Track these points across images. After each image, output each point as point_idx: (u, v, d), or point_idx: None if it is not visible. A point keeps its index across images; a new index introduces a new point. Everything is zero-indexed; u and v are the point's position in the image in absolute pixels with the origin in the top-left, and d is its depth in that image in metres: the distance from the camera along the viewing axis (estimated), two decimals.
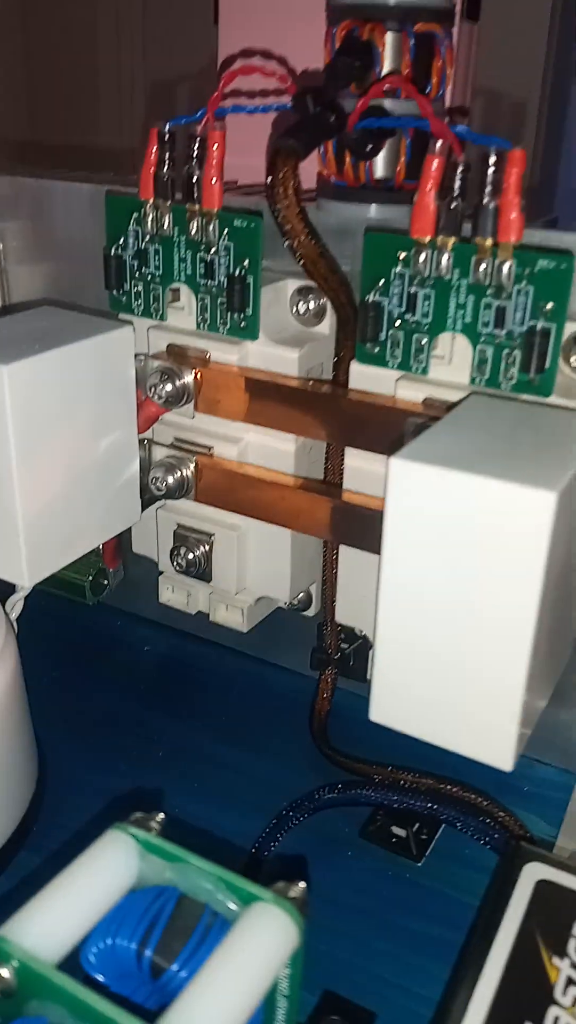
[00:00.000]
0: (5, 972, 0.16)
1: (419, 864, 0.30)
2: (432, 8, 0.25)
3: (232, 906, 0.17)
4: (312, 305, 0.30)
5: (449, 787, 0.30)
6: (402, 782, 0.31)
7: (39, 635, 0.32)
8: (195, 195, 0.27)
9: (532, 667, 0.20)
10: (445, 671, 0.21)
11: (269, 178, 0.23)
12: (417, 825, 0.31)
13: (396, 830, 0.31)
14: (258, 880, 0.17)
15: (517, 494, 0.19)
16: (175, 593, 0.35)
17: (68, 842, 0.29)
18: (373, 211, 0.27)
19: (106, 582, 0.39)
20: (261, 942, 0.16)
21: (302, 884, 0.18)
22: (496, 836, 0.29)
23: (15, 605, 0.31)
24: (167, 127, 0.26)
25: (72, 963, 0.17)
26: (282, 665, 0.38)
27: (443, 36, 0.26)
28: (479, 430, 0.22)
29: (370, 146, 0.25)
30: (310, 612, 0.35)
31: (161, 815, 0.20)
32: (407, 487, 0.20)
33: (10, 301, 0.37)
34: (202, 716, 0.36)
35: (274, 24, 0.35)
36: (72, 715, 0.35)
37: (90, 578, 0.38)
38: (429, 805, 0.30)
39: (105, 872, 0.18)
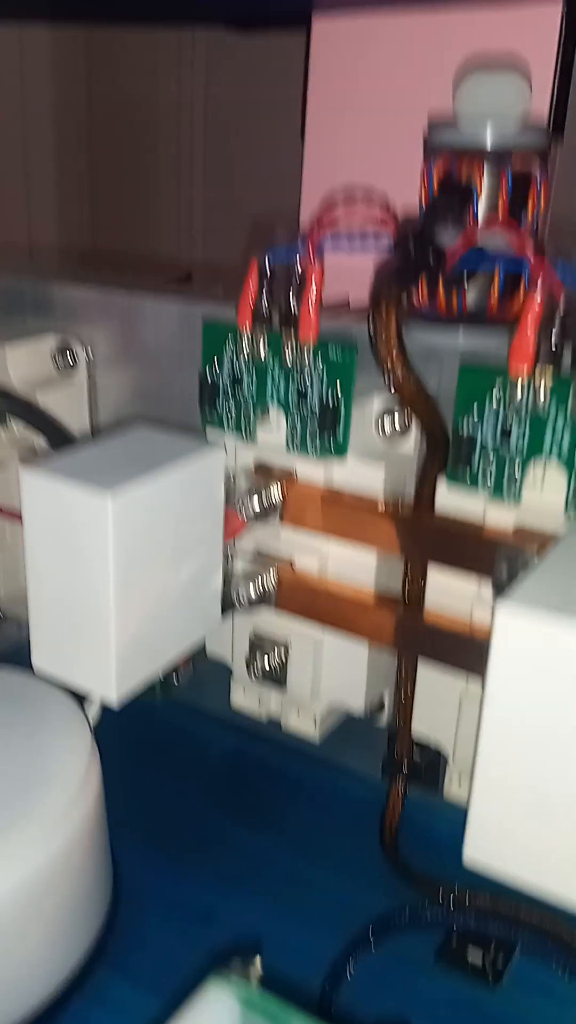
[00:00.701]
0: None
1: (496, 989, 0.29)
2: (530, 145, 0.26)
3: None
4: (397, 424, 0.30)
5: (528, 911, 0.30)
6: (479, 904, 0.30)
7: (106, 729, 0.32)
8: (292, 325, 0.27)
9: None
10: (546, 817, 0.21)
11: (372, 321, 0.24)
12: (494, 949, 0.30)
13: (472, 954, 0.30)
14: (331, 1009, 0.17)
15: None
16: (247, 697, 0.35)
17: (145, 957, 0.28)
18: (462, 340, 0.28)
19: (176, 680, 0.39)
20: None
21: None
22: None
23: (93, 711, 0.32)
24: (267, 261, 0.27)
25: None
26: (351, 769, 0.38)
27: (538, 172, 0.27)
28: None
29: (466, 281, 0.26)
30: (382, 719, 0.35)
31: (258, 959, 0.19)
32: (515, 632, 0.20)
33: (97, 405, 0.38)
34: (271, 822, 0.35)
35: (358, 143, 0.36)
36: (140, 818, 0.35)
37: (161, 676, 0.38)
38: (508, 930, 0.29)
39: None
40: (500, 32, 0.33)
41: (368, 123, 0.37)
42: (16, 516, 0.37)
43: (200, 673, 0.39)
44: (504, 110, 0.25)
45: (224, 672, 0.36)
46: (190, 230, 0.84)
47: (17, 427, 0.37)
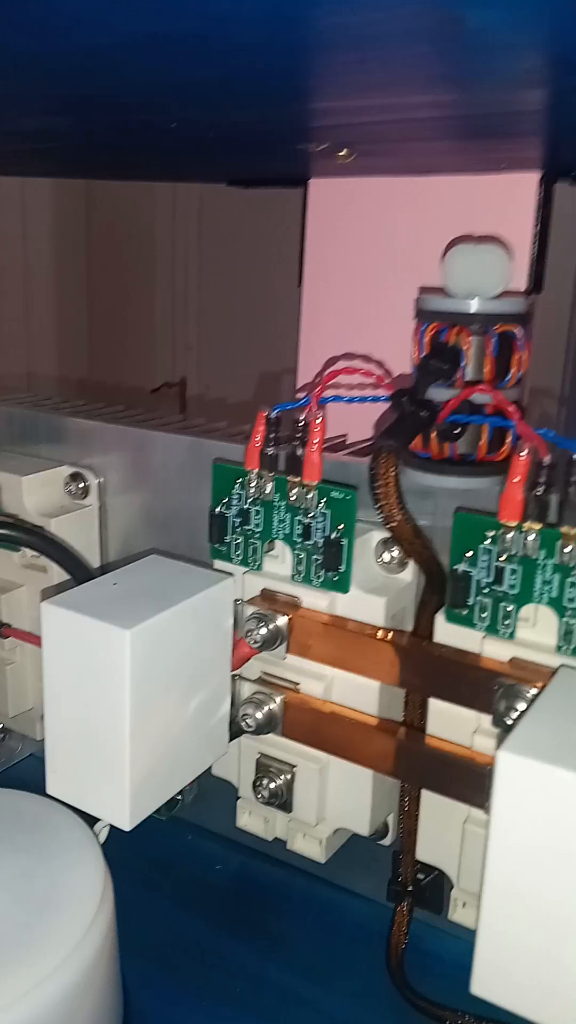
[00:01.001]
0: None
1: None
2: (512, 313, 0.29)
3: None
4: (396, 555, 0.32)
5: None
6: None
7: (109, 847, 0.32)
8: (297, 468, 0.29)
9: None
10: (551, 953, 0.22)
11: (372, 472, 0.26)
12: None
13: None
14: None
15: None
16: (252, 818, 0.36)
17: None
18: (454, 482, 0.30)
19: (180, 797, 0.40)
20: None
21: None
22: None
23: (101, 832, 0.32)
24: (274, 412, 0.29)
25: None
26: (356, 891, 0.38)
27: (520, 334, 0.29)
28: None
29: (456, 431, 0.28)
30: (386, 841, 0.35)
31: None
32: (516, 779, 0.21)
33: (107, 530, 0.40)
34: (277, 945, 0.36)
35: (352, 295, 0.39)
36: (145, 941, 0.35)
37: None
38: None
39: None
40: (485, 196, 0.37)
41: (362, 271, 0.40)
42: (26, 637, 0.39)
43: (204, 791, 0.40)
44: (488, 282, 0.28)
45: (228, 790, 0.36)
46: (185, 364, 0.88)
47: (28, 552, 0.39)
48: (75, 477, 0.39)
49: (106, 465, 0.39)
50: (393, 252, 0.38)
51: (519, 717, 0.26)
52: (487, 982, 0.23)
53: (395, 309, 0.32)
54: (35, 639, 0.38)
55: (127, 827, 0.28)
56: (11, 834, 0.30)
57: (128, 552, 0.39)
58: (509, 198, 0.36)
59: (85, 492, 0.39)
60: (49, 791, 0.30)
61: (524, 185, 0.36)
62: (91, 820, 0.32)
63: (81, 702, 0.28)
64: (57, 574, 0.38)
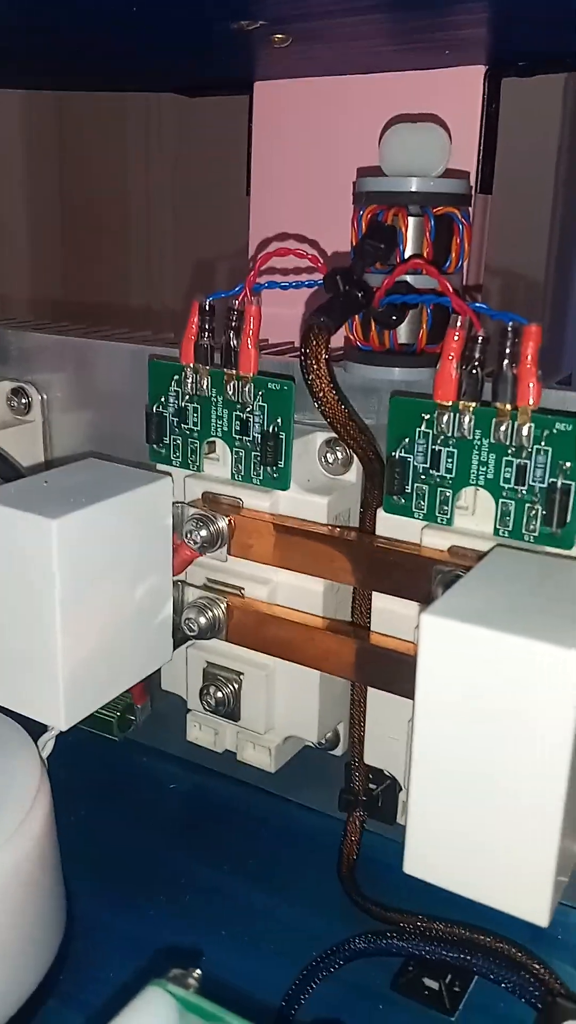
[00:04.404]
0: None
1: (452, 1018, 0.29)
2: (451, 193, 0.28)
3: None
4: (339, 455, 0.31)
5: (483, 938, 0.30)
6: (434, 932, 0.30)
7: (65, 769, 0.32)
8: (232, 360, 0.29)
9: (565, 817, 0.21)
10: (479, 825, 0.21)
11: (303, 350, 0.25)
12: (450, 977, 0.30)
13: (428, 982, 0.30)
14: None
15: (544, 652, 0.19)
16: (202, 731, 0.36)
17: (98, 992, 0.28)
18: (397, 374, 0.29)
19: (133, 718, 0.39)
20: None
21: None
22: (533, 991, 0.28)
23: (46, 744, 0.32)
24: (207, 300, 0.28)
25: None
26: (309, 805, 0.38)
27: (461, 217, 0.28)
28: (505, 585, 0.23)
29: (394, 317, 0.27)
30: (337, 751, 0.35)
31: (198, 972, 0.20)
32: (439, 643, 0.21)
33: (52, 445, 0.39)
34: (230, 858, 0.35)
35: (299, 197, 0.38)
36: (97, 855, 0.35)
37: (118, 714, 0.38)
38: (463, 957, 0.29)
39: None
40: (428, 92, 0.36)
41: (306, 172, 0.39)
42: None
43: (157, 711, 0.40)
44: (425, 160, 0.27)
45: (182, 712, 0.36)
46: (160, 282, 0.86)
47: None
48: (16, 392, 0.38)
49: (50, 382, 0.38)
50: (336, 151, 0.37)
51: None
52: (419, 861, 0.23)
53: (341, 210, 0.31)
54: None
55: (63, 726, 0.28)
56: None
57: None
58: (454, 93, 0.35)
59: (28, 408, 0.38)
60: None
61: (469, 78, 0.35)
62: (36, 734, 0.31)
63: (11, 600, 0.27)
64: None
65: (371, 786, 0.33)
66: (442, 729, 0.21)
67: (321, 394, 0.26)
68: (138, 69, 0.41)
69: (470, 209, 0.29)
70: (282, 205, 0.38)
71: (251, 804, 0.38)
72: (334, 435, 0.31)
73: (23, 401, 0.38)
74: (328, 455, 0.32)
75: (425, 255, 0.28)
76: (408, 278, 0.28)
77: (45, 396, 0.38)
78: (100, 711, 0.38)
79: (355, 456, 0.31)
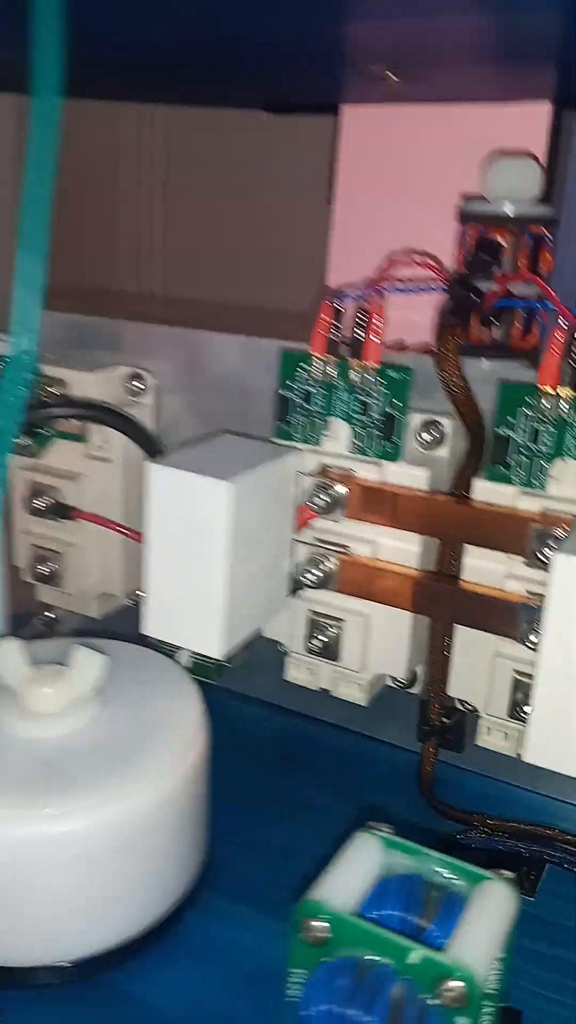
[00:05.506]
0: (321, 925, 0.21)
1: (532, 898, 0.35)
2: (541, 217, 0.34)
3: (462, 885, 0.23)
4: (434, 435, 0.37)
5: (549, 832, 0.36)
6: (509, 828, 0.37)
7: None
8: (357, 352, 0.34)
9: None
10: None
11: (438, 345, 0.31)
12: (526, 866, 0.36)
13: (505, 873, 0.36)
14: None
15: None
16: (300, 671, 0.41)
17: (242, 884, 0.34)
18: (486, 365, 0.35)
19: (228, 663, 0.45)
20: (498, 907, 0.22)
21: (509, 872, 0.24)
22: None
23: (185, 658, 0.38)
24: (337, 300, 0.34)
25: None
26: (386, 741, 0.44)
27: (548, 235, 0.34)
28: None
29: (500, 318, 0.33)
30: (415, 690, 0.41)
31: (390, 826, 0.25)
32: (569, 575, 0.27)
33: (161, 429, 0.44)
34: (325, 781, 0.41)
35: (379, 212, 0.44)
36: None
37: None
38: (540, 851, 0.35)
39: (367, 860, 0.23)
40: (499, 124, 0.41)
41: (388, 193, 0.44)
42: (93, 518, 0.43)
43: (246, 660, 0.45)
44: (523, 188, 0.33)
45: (266, 661, 0.42)
46: (150, 268, 0.90)
47: (94, 441, 0.43)
48: (134, 376, 0.43)
49: (162, 368, 0.43)
50: (419, 173, 0.43)
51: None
52: (541, 750, 0.29)
53: (418, 226, 0.37)
54: (100, 520, 0.43)
55: (221, 656, 0.33)
56: (122, 673, 0.35)
57: None
58: (523, 125, 0.41)
59: (143, 391, 0.43)
60: (146, 631, 0.34)
61: (537, 114, 0.41)
62: None
63: (181, 551, 0.32)
64: (121, 464, 0.42)
65: (444, 719, 0.39)
66: (567, 641, 0.27)
67: (452, 383, 0.32)
68: (244, 88, 0.45)
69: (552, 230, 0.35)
70: (362, 218, 0.44)
71: (334, 739, 0.44)
72: (431, 417, 0.36)
73: (139, 385, 0.43)
74: (423, 434, 0.37)
75: (522, 266, 0.34)
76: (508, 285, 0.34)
77: (159, 383, 0.43)
78: (202, 657, 0.44)
79: (445, 434, 0.36)
